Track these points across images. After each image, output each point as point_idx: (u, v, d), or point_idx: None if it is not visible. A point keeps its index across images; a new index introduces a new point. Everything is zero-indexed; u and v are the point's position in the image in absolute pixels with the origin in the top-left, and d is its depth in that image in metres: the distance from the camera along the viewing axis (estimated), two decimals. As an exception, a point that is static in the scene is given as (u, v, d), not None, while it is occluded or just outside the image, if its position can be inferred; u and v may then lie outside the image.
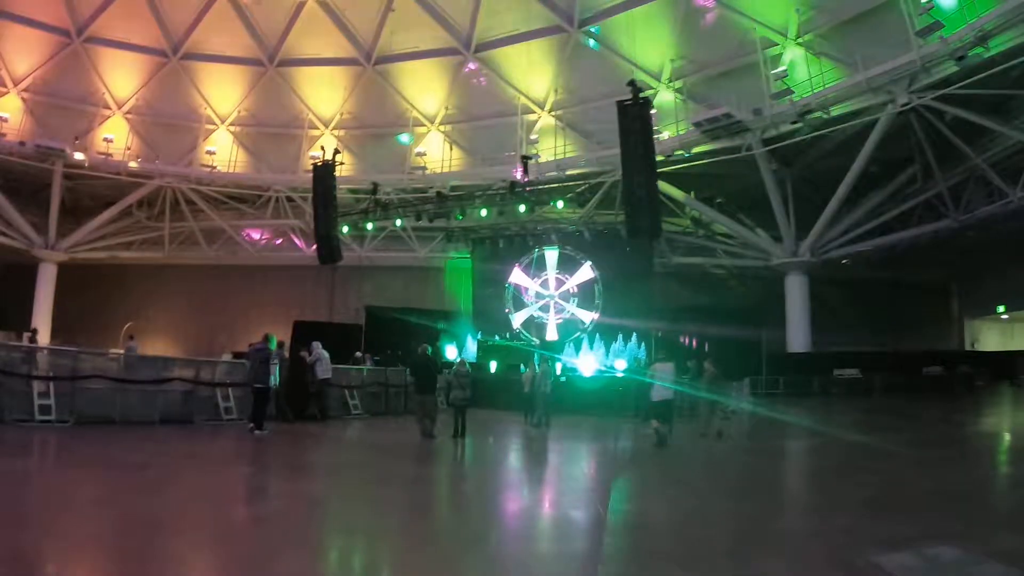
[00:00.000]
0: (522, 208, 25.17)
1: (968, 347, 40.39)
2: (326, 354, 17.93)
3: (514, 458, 13.85)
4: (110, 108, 38.19)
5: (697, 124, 29.99)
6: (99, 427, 13.80)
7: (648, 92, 28.39)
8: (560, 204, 24.68)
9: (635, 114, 23.64)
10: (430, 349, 15.75)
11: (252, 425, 14.51)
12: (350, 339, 30.63)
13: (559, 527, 7.54)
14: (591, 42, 33.71)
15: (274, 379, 15.46)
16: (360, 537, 6.87)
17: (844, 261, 35.18)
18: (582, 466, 12.79)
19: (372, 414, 19.72)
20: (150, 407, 15.28)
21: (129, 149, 37.56)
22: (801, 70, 29.55)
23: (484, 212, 26.38)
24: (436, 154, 36.97)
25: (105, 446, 12.02)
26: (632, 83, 24.04)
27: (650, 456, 13.41)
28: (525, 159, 25.11)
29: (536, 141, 34.31)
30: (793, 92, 28.84)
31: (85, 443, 12.03)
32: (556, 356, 26.97)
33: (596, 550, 6.31)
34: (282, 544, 6.11)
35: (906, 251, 34.59)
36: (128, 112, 38.47)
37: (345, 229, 29.98)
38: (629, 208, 23.99)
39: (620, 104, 23.81)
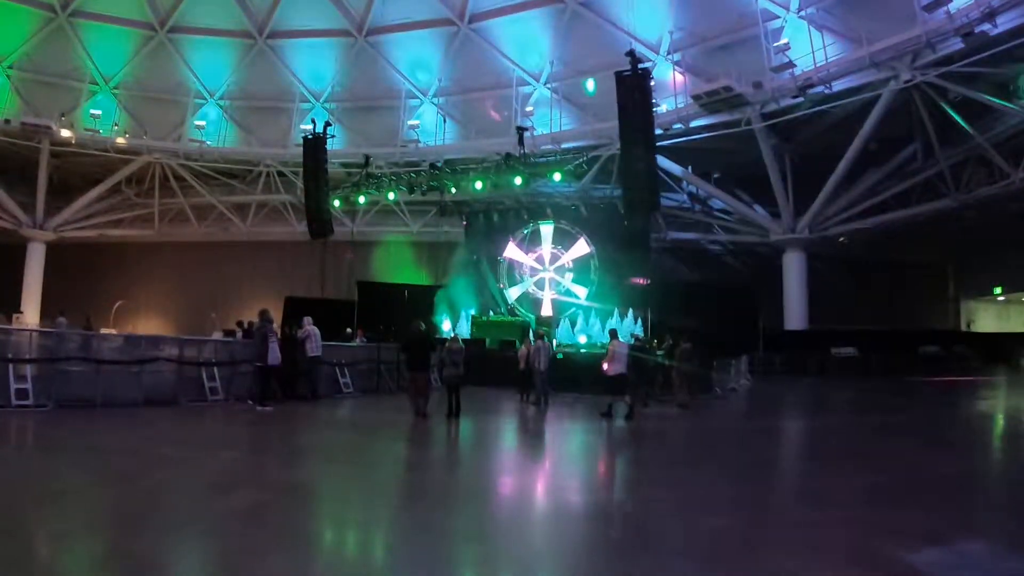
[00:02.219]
0: (518, 180, 24.30)
1: (964, 328, 40.06)
2: (316, 330, 17.19)
3: (510, 440, 13.18)
4: (97, 84, 37.06)
5: (696, 97, 29.21)
6: (79, 411, 13.15)
7: (645, 64, 27.52)
8: (557, 176, 23.83)
9: (634, 85, 22.80)
10: (423, 325, 14.99)
11: (259, 404, 14.44)
12: (342, 315, 29.85)
13: (555, 517, 6.90)
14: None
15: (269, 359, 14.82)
16: (348, 530, 6.24)
17: (841, 239, 34.68)
18: (580, 447, 12.15)
19: (364, 392, 19.02)
20: (133, 389, 14.61)
21: (116, 125, 36.52)
22: (803, 44, 28.75)
23: (479, 185, 25.45)
24: (429, 127, 36.09)
25: (82, 431, 11.34)
26: (631, 53, 23.21)
27: (647, 436, 12.84)
28: (520, 130, 24.26)
29: (532, 113, 33.47)
30: (795, 65, 28.08)
31: (62, 428, 11.36)
32: (552, 332, 26.24)
33: (596, 544, 5.70)
34: (263, 539, 5.46)
35: (904, 230, 34.11)
36: (115, 88, 37.37)
37: (336, 203, 29.08)
38: (627, 182, 23.25)
39: (618, 75, 22.97)
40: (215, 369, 15.74)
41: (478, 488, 8.25)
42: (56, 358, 13.78)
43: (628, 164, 23.18)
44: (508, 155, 24.37)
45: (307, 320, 17.30)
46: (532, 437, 13.25)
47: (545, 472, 9.65)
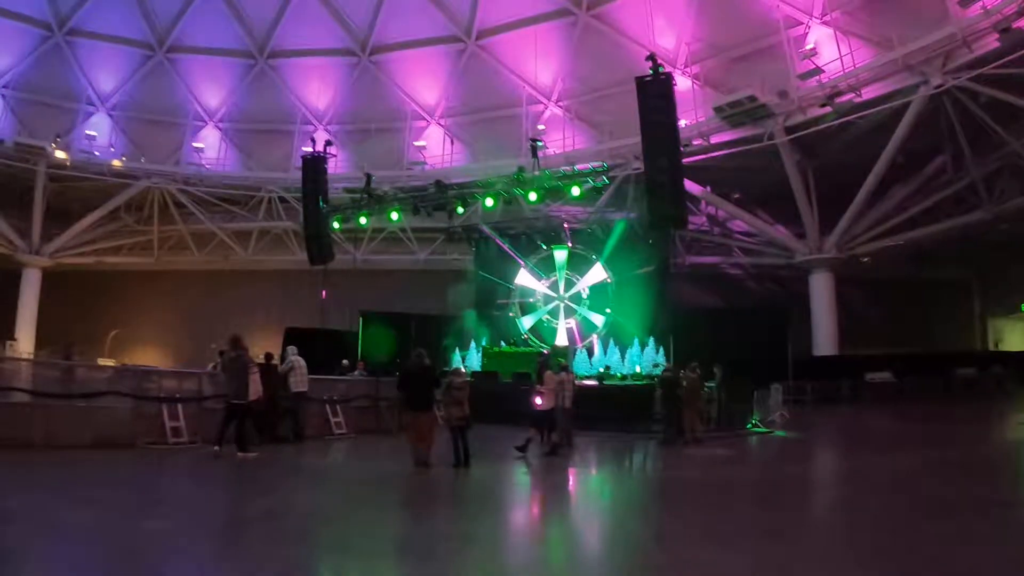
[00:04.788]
0: (532, 196, 21.34)
1: (992, 347, 36.95)
2: (302, 362, 14.14)
3: (537, 500, 10.00)
4: (94, 105, 34.57)
5: (719, 109, 26.44)
6: (11, 453, 10.33)
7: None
8: (576, 191, 20.90)
9: (656, 91, 19.98)
10: (426, 355, 11.78)
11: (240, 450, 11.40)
12: (344, 347, 26.95)
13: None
14: None
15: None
16: None
17: (865, 259, 31.76)
18: (632, 510, 8.96)
19: (359, 433, 15.83)
20: (80, 428, 11.73)
21: (113, 148, 33.97)
22: (827, 51, 26.14)
23: (489, 202, 22.44)
24: (436, 149, 33.34)
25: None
26: (652, 57, 20.44)
27: (707, 489, 9.77)
28: (534, 142, 21.39)
29: (543, 131, 30.64)
30: (823, 71, 25.43)
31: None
32: (568, 362, 23.05)
33: None
34: None
35: (929, 248, 31.28)
36: (112, 109, 34.84)
37: (336, 225, 26.02)
38: (651, 195, 20.30)
39: (639, 80, 20.18)
40: (179, 406, 12.70)
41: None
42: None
43: (651, 177, 20.29)
44: (521, 168, 21.45)
45: (291, 350, 14.27)
46: (565, 495, 10.10)
47: (596, 555, 6.60)
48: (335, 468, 11.81)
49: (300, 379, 13.89)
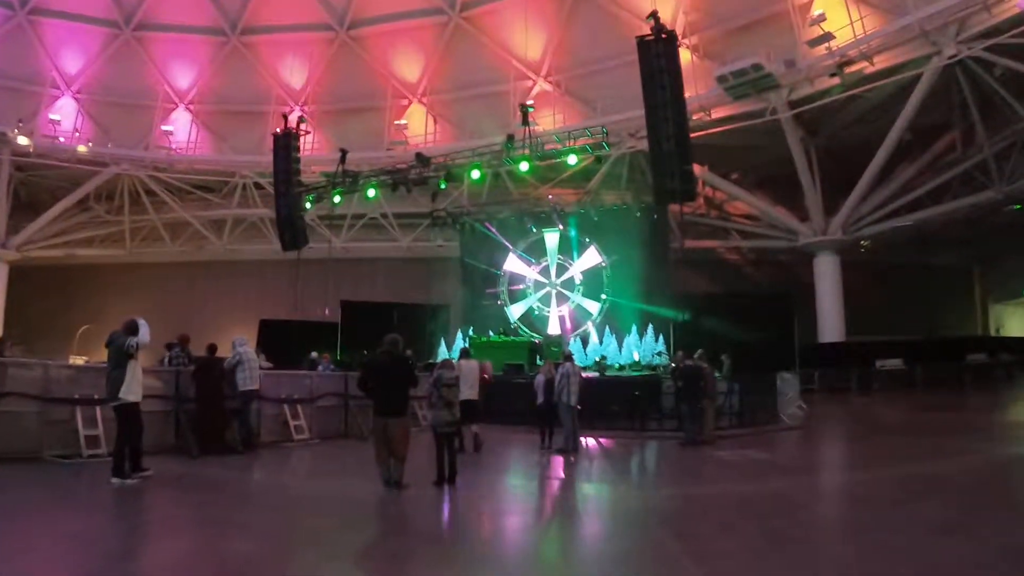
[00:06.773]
0: (524, 166, 18.74)
1: (993, 333, 34.94)
2: (252, 354, 11.37)
3: (551, 540, 6.96)
4: (58, 87, 31.45)
5: (721, 79, 23.82)
6: None
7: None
8: (572, 159, 18.35)
9: (659, 52, 17.50)
10: (401, 342, 8.48)
11: (115, 473, 8.08)
12: (323, 339, 24.24)
13: None
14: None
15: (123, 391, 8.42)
16: None
17: (865, 243, 29.42)
18: (691, 548, 6.14)
19: (324, 439, 13.02)
20: (-28, 437, 9.00)
21: (78, 133, 30.88)
22: (835, 21, 23.66)
23: (476, 174, 19.78)
24: (418, 129, 30.53)
25: None
26: (653, 15, 17.91)
27: (775, 509, 7.06)
28: (524, 107, 18.72)
29: (532, 107, 27.93)
30: (833, 36, 22.96)
31: None
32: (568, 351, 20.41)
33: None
34: None
35: (936, 231, 29.01)
36: (78, 92, 31.73)
37: (308, 204, 23.12)
38: (656, 167, 17.80)
39: (640, 40, 17.71)
40: (97, 410, 9.89)
41: None
42: None
43: (655, 147, 17.73)
44: (511, 136, 18.82)
45: (239, 341, 11.49)
46: (585, 529, 7.14)
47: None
48: (284, 491, 8.84)
49: (249, 375, 11.12)
